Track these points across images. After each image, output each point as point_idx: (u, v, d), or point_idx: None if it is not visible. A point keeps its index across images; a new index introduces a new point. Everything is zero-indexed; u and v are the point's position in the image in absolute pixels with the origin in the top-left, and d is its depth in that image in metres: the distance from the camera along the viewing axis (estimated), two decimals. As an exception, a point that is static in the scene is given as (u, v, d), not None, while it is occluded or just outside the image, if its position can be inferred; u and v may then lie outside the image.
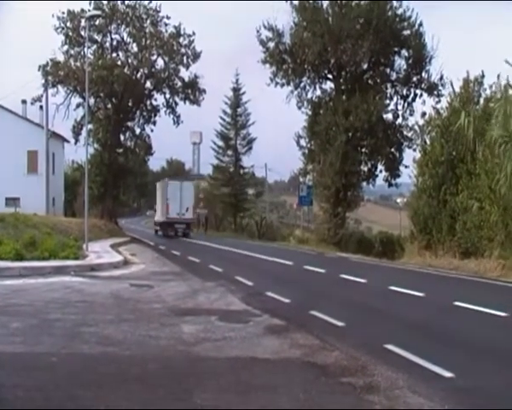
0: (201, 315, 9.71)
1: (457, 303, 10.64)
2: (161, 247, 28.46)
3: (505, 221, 16.97)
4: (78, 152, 42.12)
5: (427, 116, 25.95)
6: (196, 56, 39.05)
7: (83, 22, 34.88)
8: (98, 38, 38.77)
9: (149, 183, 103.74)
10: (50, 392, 5.44)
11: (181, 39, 38.52)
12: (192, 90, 40.00)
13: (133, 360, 6.76)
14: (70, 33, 37.21)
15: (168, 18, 38.42)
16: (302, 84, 35.61)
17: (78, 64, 36.41)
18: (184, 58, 38.86)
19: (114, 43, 39.21)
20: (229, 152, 52.43)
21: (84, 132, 35.46)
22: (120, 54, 39.51)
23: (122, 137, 41.42)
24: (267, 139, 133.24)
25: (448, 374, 6.14)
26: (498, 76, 19.69)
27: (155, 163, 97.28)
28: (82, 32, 35.81)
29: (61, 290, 12.11)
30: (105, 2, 37.66)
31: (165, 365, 6.58)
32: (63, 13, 37.13)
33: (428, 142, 24.54)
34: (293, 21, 34.21)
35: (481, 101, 23.03)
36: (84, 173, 23.98)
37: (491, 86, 21.93)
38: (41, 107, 38.50)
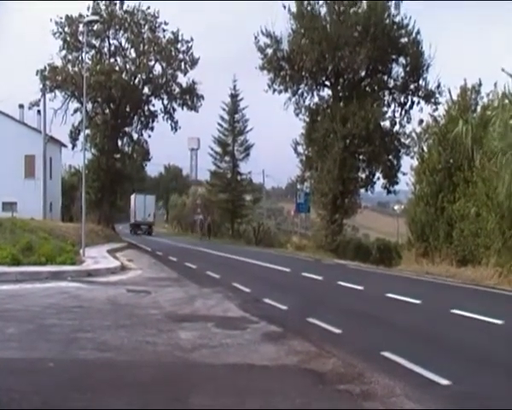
0: (198, 321, 9.69)
1: (454, 311, 10.65)
2: (158, 253, 28.42)
3: (502, 229, 16.99)
4: (76, 157, 42.09)
5: (424, 124, 26.08)
6: (194, 62, 39.16)
7: (81, 27, 34.99)
8: (96, 43, 38.87)
9: (147, 188, 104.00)
10: (47, 396, 5.44)
11: (179, 45, 38.65)
12: (190, 96, 40.07)
13: (130, 365, 6.75)
14: (68, 38, 37.30)
15: (166, 24, 38.60)
16: (300, 91, 35.73)
17: (76, 69, 36.48)
18: (182, 64, 38.97)
19: (112, 48, 39.32)
20: (227, 158, 52.41)
21: (81, 137, 35.47)
22: (118, 59, 39.65)
23: (120, 143, 41.46)
24: (265, 145, 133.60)
25: (445, 382, 6.14)
26: (495, 84, 19.81)
27: (153, 169, 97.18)
28: (80, 38, 35.90)
29: (57, 296, 12.08)
30: (103, 8, 37.77)
31: (161, 371, 6.58)
32: (61, 18, 37.29)
33: (426, 149, 24.61)
34: (291, 28, 34.37)
35: (478, 109, 23.11)
36: (82, 178, 23.97)
37: (488, 94, 22.04)
38: (39, 111, 38.49)
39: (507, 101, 18.52)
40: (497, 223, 17.19)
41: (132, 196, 53.60)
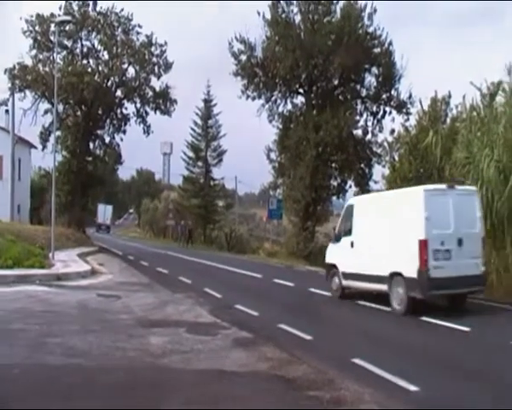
0: (169, 327, 9.63)
1: (424, 318, 10.79)
2: (130, 257, 28.15)
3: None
4: (46, 159, 41.39)
5: (396, 133, 26.44)
6: (168, 66, 38.92)
7: (52, 27, 34.38)
8: (68, 43, 38.22)
9: (119, 192, 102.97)
10: (12, 404, 5.31)
11: (153, 49, 38.33)
12: (163, 101, 39.79)
13: (99, 371, 6.66)
14: (39, 37, 36.58)
15: (140, 27, 38.24)
16: (273, 98, 35.79)
17: (47, 69, 35.80)
18: (156, 68, 38.67)
19: (85, 49, 38.74)
20: (200, 163, 52.18)
21: (52, 139, 34.86)
22: (91, 61, 39.07)
23: (91, 145, 40.87)
24: (238, 151, 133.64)
25: (413, 388, 6.22)
26: (464, 97, 20.18)
27: (125, 172, 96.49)
28: (51, 37, 35.26)
29: (24, 300, 11.86)
30: (76, 8, 37.24)
31: (131, 376, 6.51)
32: (32, 16, 36.61)
33: (397, 158, 24.95)
34: (265, 35, 34.47)
35: (448, 120, 23.54)
36: (52, 181, 23.59)
37: (457, 106, 22.45)
38: (7, 111, 37.72)
39: (474, 113, 18.90)
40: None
41: (99, 205, 70.50)
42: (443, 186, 12.32)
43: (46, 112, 37.51)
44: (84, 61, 38.60)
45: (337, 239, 14.36)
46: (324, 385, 6.32)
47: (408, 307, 11.39)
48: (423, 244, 11.01)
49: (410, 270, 11.23)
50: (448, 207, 11.43)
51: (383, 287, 12.07)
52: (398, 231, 11.84)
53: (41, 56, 36.91)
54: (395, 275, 11.73)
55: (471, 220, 11.75)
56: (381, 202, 13.62)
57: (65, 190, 38.77)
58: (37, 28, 36.59)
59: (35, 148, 41.92)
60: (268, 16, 34.30)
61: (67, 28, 36.20)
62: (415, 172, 22.55)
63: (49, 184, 37.23)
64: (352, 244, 13.55)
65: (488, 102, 18.86)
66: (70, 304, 11.62)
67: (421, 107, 24.77)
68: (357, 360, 7.33)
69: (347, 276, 13.61)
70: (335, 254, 14.46)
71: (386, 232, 12.29)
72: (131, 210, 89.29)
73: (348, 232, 13.84)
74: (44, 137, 38.13)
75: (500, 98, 18.25)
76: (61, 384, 6.04)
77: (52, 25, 34.42)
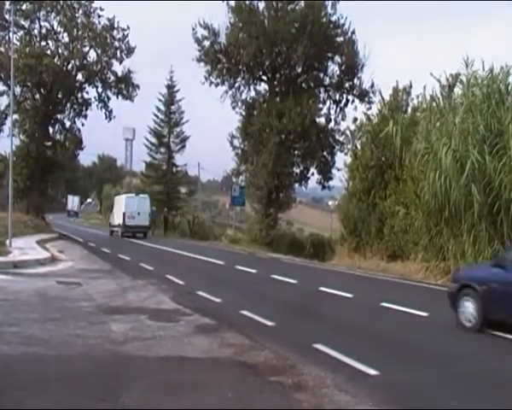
0: (131, 314, 9.55)
1: (384, 304, 11.00)
2: (91, 244, 27.74)
3: (428, 226, 17.66)
4: (3, 143, 40.32)
5: (358, 122, 26.69)
6: (130, 51, 38.20)
7: (7, 5, 33.26)
8: (25, 23, 36.94)
9: (80, 178, 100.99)
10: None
11: (114, 32, 37.55)
12: (125, 85, 39.09)
13: (59, 360, 6.55)
14: (-8, 15, 35.36)
15: (102, 10, 37.39)
16: (237, 85, 35.75)
17: (3, 49, 34.65)
18: (118, 52, 37.90)
19: (43, 31, 37.57)
20: (163, 149, 51.59)
21: (8, 122, 33.81)
22: (50, 43, 37.95)
23: (51, 130, 39.87)
24: (201, 138, 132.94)
25: (373, 372, 6.34)
26: (424, 87, 20.52)
27: (86, 158, 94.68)
28: (6, 16, 34.08)
29: (-20, 288, 11.55)
30: (33, -14, 36.11)
31: (92, 364, 6.43)
32: (-16, -8, 35.29)
33: (359, 147, 25.21)
34: (229, 21, 34.30)
35: (409, 110, 23.90)
36: (9, 165, 22.97)
37: (417, 96, 22.81)
38: (-42, 91, 36.41)
39: (434, 104, 19.26)
40: (424, 220, 17.86)
41: (69, 196, 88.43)
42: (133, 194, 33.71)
43: (2, 94, 36.37)
44: (43, 43, 37.52)
45: None
46: (286, 370, 6.38)
47: None
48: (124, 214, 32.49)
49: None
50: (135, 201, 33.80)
51: None
52: None
53: (-4, 36, 35.66)
54: None
55: (144, 208, 34.41)
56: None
57: (23, 175, 37.76)
58: (-10, 5, 35.29)
59: (-10, 132, 40.60)
60: (232, 2, 34.14)
61: (24, 7, 35.10)
62: (376, 161, 22.84)
63: (5, 169, 36.18)
64: None
65: (447, 94, 19.27)
66: (28, 292, 11.37)
67: (382, 97, 25.10)
68: (318, 346, 7.43)
69: None
70: None
71: None
72: (90, 199, 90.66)
73: None
74: (0, 120, 36.99)
75: (458, 90, 18.68)
76: (18, 374, 5.90)
77: (7, 2, 33.28)
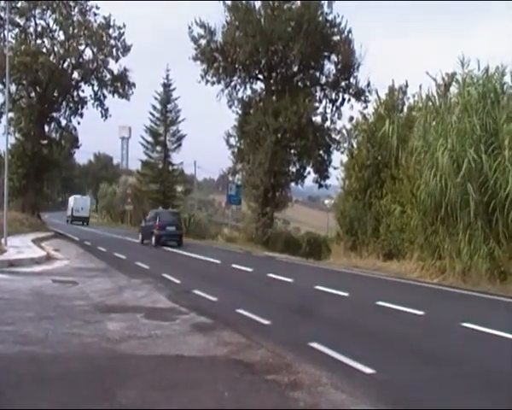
0: (127, 312, 9.54)
1: (380, 303, 11.02)
2: (87, 242, 27.71)
3: (424, 225, 17.69)
4: (-2, 141, 40.17)
5: (354, 121, 26.65)
6: (126, 49, 38.20)
7: (2, 3, 33.15)
8: (20, 21, 36.90)
9: (76, 177, 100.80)
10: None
11: (110, 31, 37.54)
12: (121, 84, 39.09)
13: (54, 358, 6.54)
14: (-13, 12, 35.24)
15: (98, 8, 37.35)
16: (233, 83, 35.75)
17: (-3, 47, 34.59)
18: (114, 50, 37.91)
19: (39, 29, 37.54)
20: (159, 148, 51.54)
21: (3, 121, 33.74)
22: (46, 41, 37.95)
23: (47, 128, 39.87)
24: (197, 137, 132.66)
25: (369, 370, 6.34)
26: (420, 86, 20.54)
27: (82, 156, 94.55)
28: (1, 13, 34.01)
29: (-25, 287, 11.52)
30: (28, -16, 36.01)
31: (88, 363, 6.41)
32: (-22, -10, 35.17)
33: (355, 145, 25.20)
34: (225, 20, 34.30)
35: (405, 109, 23.91)
36: (4, 164, 22.91)
37: (413, 96, 22.82)
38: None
39: (430, 103, 19.29)
40: (420, 219, 17.88)
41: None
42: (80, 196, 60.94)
43: (-4, 92, 36.29)
44: (39, 41, 37.50)
45: None
46: (282, 369, 6.37)
47: None
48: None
49: None
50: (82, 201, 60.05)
51: None
52: None
53: (-10, 33, 35.56)
54: None
55: (86, 205, 61.17)
56: None
57: (19, 174, 37.74)
58: (-16, 3, 35.19)
59: (-15, 129, 40.43)
60: (228, 2, 34.11)
61: (19, 5, 35.01)
62: (372, 160, 22.84)
63: (1, 168, 36.12)
64: None
65: (443, 93, 19.29)
66: (23, 291, 11.35)
67: (378, 96, 25.10)
68: (314, 344, 7.42)
69: None
70: None
71: None
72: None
73: None
74: (-5, 118, 36.88)
75: (454, 89, 18.71)
76: (13, 374, 5.87)
77: (2, 0, 33.19)
